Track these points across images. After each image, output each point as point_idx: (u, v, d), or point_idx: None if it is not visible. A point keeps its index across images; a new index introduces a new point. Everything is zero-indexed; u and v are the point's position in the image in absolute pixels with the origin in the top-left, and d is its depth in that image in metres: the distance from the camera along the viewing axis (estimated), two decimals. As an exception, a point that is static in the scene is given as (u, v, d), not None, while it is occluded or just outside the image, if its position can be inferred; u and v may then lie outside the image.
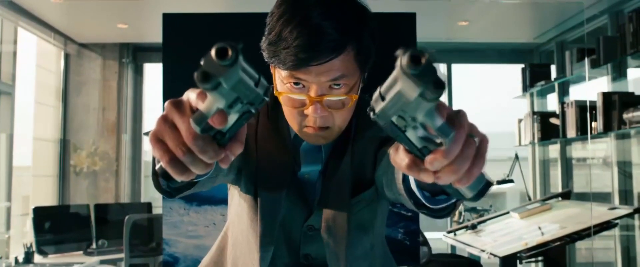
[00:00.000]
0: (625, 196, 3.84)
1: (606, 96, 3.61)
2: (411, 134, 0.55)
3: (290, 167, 1.11)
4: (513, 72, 4.96)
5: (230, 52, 0.50)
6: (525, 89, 4.72)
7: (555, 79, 4.48)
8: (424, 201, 0.78)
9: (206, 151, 0.56)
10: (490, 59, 5.43)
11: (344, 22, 0.96)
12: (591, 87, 4.01)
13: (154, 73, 5.32)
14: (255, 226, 1.12)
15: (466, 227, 3.83)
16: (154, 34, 4.43)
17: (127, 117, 5.07)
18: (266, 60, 1.01)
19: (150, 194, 4.98)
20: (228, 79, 0.51)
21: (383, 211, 1.22)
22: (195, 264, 1.33)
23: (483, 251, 3.19)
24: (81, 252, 4.04)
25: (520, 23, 4.68)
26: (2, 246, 4.13)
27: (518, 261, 3.07)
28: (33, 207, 4.00)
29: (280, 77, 1.00)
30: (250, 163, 1.10)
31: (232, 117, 0.56)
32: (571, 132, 4.00)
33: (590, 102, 3.77)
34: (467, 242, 3.52)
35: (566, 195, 3.98)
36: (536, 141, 4.50)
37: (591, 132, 3.77)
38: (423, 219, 2.34)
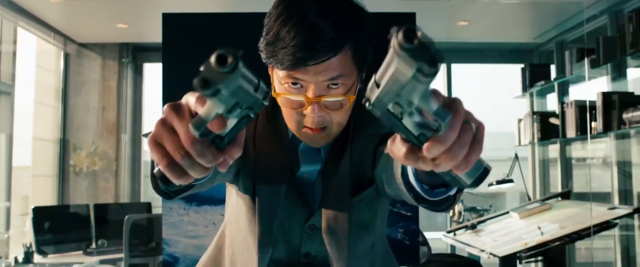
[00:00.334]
0: (625, 195, 3.84)
1: (606, 96, 3.61)
2: (408, 121, 0.55)
3: (288, 167, 1.11)
4: (513, 72, 4.96)
5: (230, 59, 0.49)
6: (525, 89, 4.72)
7: (555, 79, 4.48)
8: (423, 194, 0.78)
9: (205, 155, 0.56)
10: (490, 59, 5.43)
11: (341, 21, 0.96)
12: (591, 87, 4.01)
13: (153, 73, 5.32)
14: (253, 227, 1.12)
15: (466, 227, 3.83)
16: (154, 34, 4.43)
17: (126, 117, 5.07)
18: (264, 61, 1.01)
19: (149, 194, 4.98)
20: (227, 86, 0.51)
21: (383, 209, 1.22)
22: (194, 264, 1.33)
23: (483, 250, 3.19)
24: (81, 252, 4.04)
25: (520, 23, 4.68)
26: (1, 246, 4.12)
27: (518, 261, 3.08)
28: (33, 207, 4.00)
29: (278, 78, 1.00)
30: (249, 163, 1.10)
31: (231, 122, 0.56)
32: (571, 132, 4.00)
33: (590, 102, 3.77)
34: (467, 242, 3.52)
35: (566, 195, 3.98)
36: (536, 140, 4.50)
37: (591, 132, 3.77)
38: (423, 219, 2.34)
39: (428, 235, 3.29)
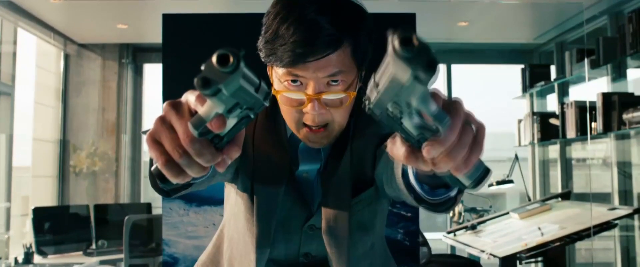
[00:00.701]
0: (625, 196, 3.84)
1: (606, 97, 3.61)
2: (407, 123, 0.55)
3: (287, 166, 1.11)
4: (513, 73, 4.96)
5: (231, 59, 0.49)
6: (525, 89, 4.72)
7: (555, 80, 4.48)
8: (423, 195, 0.78)
9: (203, 154, 0.56)
10: (490, 60, 5.43)
11: (340, 17, 0.96)
12: (591, 88, 4.01)
13: (153, 73, 5.32)
14: (251, 226, 1.12)
15: (466, 228, 3.83)
16: (154, 35, 4.43)
17: (126, 117, 5.07)
18: (263, 59, 1.01)
19: (149, 194, 4.98)
20: (228, 86, 0.51)
21: (383, 210, 1.22)
22: (194, 264, 1.33)
23: (483, 251, 3.19)
24: (81, 252, 4.04)
25: (520, 24, 4.68)
26: (1, 247, 4.12)
27: (518, 262, 3.07)
28: (33, 207, 4.00)
29: (278, 76, 1.00)
30: (248, 162, 1.10)
31: (231, 122, 0.56)
32: (571, 133, 4.00)
33: (590, 102, 3.77)
34: (467, 242, 3.52)
35: (566, 195, 3.98)
36: (536, 141, 4.50)
37: (591, 133, 3.77)
38: (423, 220, 2.34)
39: (428, 235, 3.29)
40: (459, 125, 0.54)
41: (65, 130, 4.97)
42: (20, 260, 3.76)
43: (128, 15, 4.39)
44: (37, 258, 3.84)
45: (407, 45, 0.46)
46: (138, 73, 5.23)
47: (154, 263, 3.90)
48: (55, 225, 4.06)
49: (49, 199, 4.82)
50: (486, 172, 0.62)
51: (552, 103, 4.86)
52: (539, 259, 3.22)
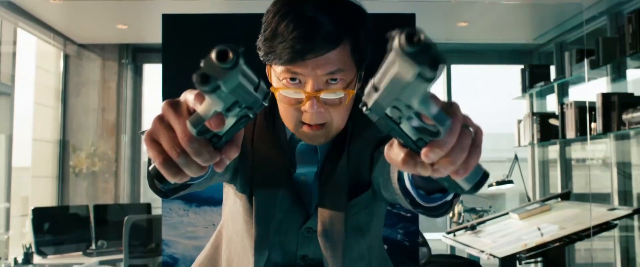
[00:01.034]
0: (625, 196, 3.84)
1: (605, 97, 3.61)
2: (406, 126, 0.54)
3: (286, 168, 1.10)
4: (512, 73, 4.96)
5: (231, 55, 0.49)
6: (524, 90, 4.72)
7: (555, 80, 4.48)
8: (419, 200, 0.78)
9: (201, 154, 0.55)
10: (489, 60, 5.43)
11: (339, 15, 0.97)
12: (590, 88, 4.01)
13: (153, 74, 5.32)
14: (249, 228, 1.12)
15: (465, 228, 3.83)
16: (154, 35, 4.42)
17: (126, 117, 5.07)
18: (262, 58, 1.01)
19: (149, 195, 4.97)
20: (227, 83, 0.50)
21: (380, 212, 1.22)
22: (192, 264, 1.33)
23: (482, 251, 3.19)
24: (80, 253, 4.04)
25: (519, 24, 4.68)
26: (1, 247, 4.12)
27: (517, 262, 3.07)
28: (32, 208, 4.00)
29: (276, 74, 1.00)
30: (246, 163, 1.10)
31: (230, 121, 0.55)
32: (570, 133, 4.00)
33: (590, 103, 3.77)
34: (467, 243, 3.52)
35: (565, 196, 3.98)
36: (535, 141, 4.50)
37: (590, 133, 3.77)
38: (422, 220, 2.34)
39: (428, 236, 3.29)
40: (458, 128, 0.54)
41: (65, 131, 4.97)
42: (19, 260, 3.76)
43: (128, 16, 4.39)
44: (36, 258, 3.84)
45: (412, 40, 0.46)
46: (138, 73, 5.23)
47: (154, 263, 3.89)
48: (54, 225, 4.06)
49: (48, 200, 4.82)
50: (485, 176, 0.61)
51: (551, 103, 4.86)
52: (539, 259, 3.22)
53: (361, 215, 1.14)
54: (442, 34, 4.87)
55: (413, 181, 0.77)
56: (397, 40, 0.47)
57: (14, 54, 4.31)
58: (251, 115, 0.56)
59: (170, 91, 2.21)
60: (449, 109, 0.55)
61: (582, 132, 3.91)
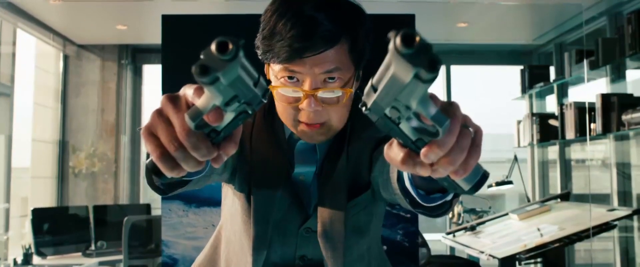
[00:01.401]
0: (624, 197, 3.84)
1: (605, 98, 3.61)
2: (405, 126, 0.54)
3: (285, 168, 1.10)
4: (512, 74, 4.96)
5: (231, 47, 0.48)
6: (524, 90, 4.72)
7: (554, 81, 4.48)
8: (419, 200, 0.78)
9: (199, 148, 0.55)
10: (489, 61, 5.43)
11: (338, 14, 0.97)
12: (590, 89, 4.01)
13: (153, 74, 5.32)
14: (248, 228, 1.12)
15: (465, 229, 3.83)
16: (153, 36, 4.43)
17: (126, 118, 5.07)
18: (260, 57, 1.01)
19: (149, 195, 4.97)
20: (227, 75, 0.50)
21: (379, 212, 1.22)
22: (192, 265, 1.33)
23: (482, 252, 3.19)
24: (80, 253, 4.04)
25: (519, 25, 4.68)
26: (0, 248, 4.12)
27: (517, 263, 3.07)
28: (32, 208, 3.99)
29: (274, 73, 1.00)
30: (245, 163, 1.10)
31: (228, 116, 0.55)
32: (570, 134, 4.00)
33: (589, 103, 3.77)
34: (466, 243, 3.52)
35: (565, 196, 3.98)
36: (535, 142, 4.50)
37: (590, 134, 3.77)
38: (422, 221, 2.34)
39: (427, 236, 3.29)
40: (458, 128, 0.54)
41: (65, 131, 4.97)
42: (19, 261, 3.76)
43: (127, 17, 4.39)
44: (36, 259, 3.84)
45: (409, 42, 0.46)
46: (137, 74, 5.23)
47: (153, 264, 3.89)
48: (54, 226, 4.05)
49: (48, 200, 4.82)
50: (484, 176, 0.61)
51: (551, 104, 4.86)
52: (538, 260, 3.22)
53: (361, 215, 1.14)
54: (442, 35, 4.87)
55: (413, 181, 0.77)
56: (394, 42, 0.47)
57: (14, 55, 4.31)
58: (250, 112, 0.56)
59: (170, 92, 2.20)
60: (449, 109, 0.55)
61: (581, 132, 3.91)
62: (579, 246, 4.27)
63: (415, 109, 0.52)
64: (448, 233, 3.89)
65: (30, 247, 3.82)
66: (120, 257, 3.76)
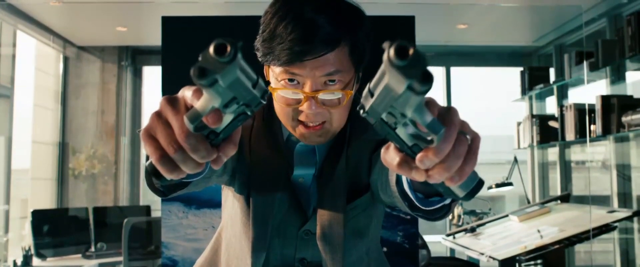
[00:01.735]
0: (624, 199, 3.84)
1: (605, 99, 3.61)
2: (401, 132, 0.54)
3: (284, 170, 1.10)
4: (512, 75, 4.96)
5: (229, 49, 0.48)
6: (524, 92, 4.72)
7: (554, 82, 4.49)
8: (417, 203, 0.77)
9: (198, 150, 0.55)
10: (489, 62, 5.43)
11: (338, 17, 0.97)
12: (590, 90, 4.01)
13: (153, 76, 5.32)
14: (247, 231, 1.12)
15: (465, 230, 3.83)
16: (153, 37, 4.43)
17: (126, 120, 5.07)
18: (260, 59, 1.01)
19: (149, 197, 4.97)
20: (225, 77, 0.50)
21: (379, 215, 1.21)
22: (193, 267, 1.33)
23: (482, 254, 3.19)
24: (80, 255, 4.03)
25: (519, 26, 4.68)
26: (0, 249, 4.12)
27: (517, 264, 3.07)
28: (31, 210, 3.99)
29: (275, 75, 1.00)
30: (244, 165, 1.10)
31: (227, 118, 0.55)
32: (570, 135, 4.00)
33: (589, 105, 3.77)
34: (466, 245, 3.52)
35: (565, 198, 3.98)
36: (535, 144, 4.50)
37: (590, 135, 3.77)
38: (422, 222, 2.34)
39: (427, 238, 3.28)
40: (454, 136, 0.53)
41: (65, 133, 4.97)
42: (19, 263, 3.75)
43: (127, 18, 4.39)
44: (36, 261, 3.84)
45: (403, 54, 0.46)
46: (137, 76, 5.23)
47: (153, 266, 3.89)
48: (54, 228, 4.05)
49: (48, 202, 4.81)
50: (480, 183, 0.61)
51: (551, 106, 4.86)
52: (539, 261, 3.22)
53: (360, 218, 1.14)
54: (442, 36, 4.87)
55: (411, 184, 0.77)
56: (388, 53, 0.46)
57: (14, 56, 4.31)
58: (249, 113, 0.56)
59: (170, 93, 2.20)
60: (446, 115, 0.54)
61: (581, 134, 3.91)
62: (579, 248, 4.26)
63: (410, 116, 0.52)
64: (448, 235, 3.89)
65: (30, 249, 3.81)
66: (120, 259, 3.76)
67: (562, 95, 4.61)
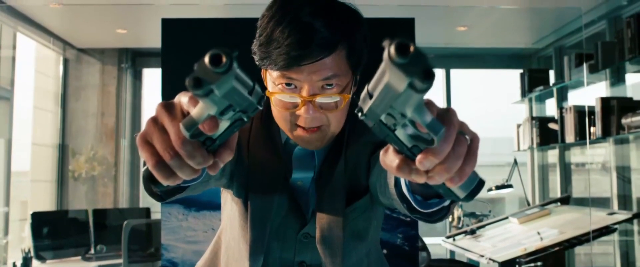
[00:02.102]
0: (624, 201, 3.84)
1: (605, 101, 3.61)
2: (401, 133, 0.54)
3: (282, 173, 1.10)
4: (512, 78, 4.97)
5: (224, 59, 0.48)
6: (523, 94, 4.73)
7: (554, 84, 4.49)
8: (416, 205, 0.77)
9: (194, 157, 0.55)
10: (488, 64, 5.43)
11: (335, 21, 0.96)
12: (590, 93, 4.01)
13: (152, 78, 5.32)
14: (245, 234, 1.11)
15: (465, 233, 3.83)
16: (153, 39, 4.43)
17: (125, 122, 5.07)
18: (257, 63, 1.01)
19: (149, 199, 4.95)
20: (221, 87, 0.49)
21: (378, 217, 1.21)
22: (193, 269, 1.33)
23: (482, 256, 3.19)
24: (79, 257, 4.03)
25: (518, 28, 4.69)
26: (0, 252, 4.11)
27: (517, 266, 3.07)
28: (31, 212, 3.99)
29: (272, 79, 1.00)
30: (242, 168, 1.10)
31: (224, 124, 0.55)
32: (570, 138, 4.00)
33: (589, 107, 3.77)
34: (466, 247, 3.52)
35: (565, 200, 3.98)
36: (535, 146, 4.50)
37: (590, 138, 3.77)
38: (422, 224, 2.34)
39: (427, 240, 3.28)
40: (454, 136, 0.53)
41: (64, 135, 4.96)
42: (18, 265, 3.75)
43: (127, 20, 4.40)
44: (35, 263, 3.83)
45: (403, 51, 0.45)
46: (137, 78, 5.23)
47: (153, 268, 3.89)
48: (53, 230, 4.05)
49: (47, 204, 4.81)
50: (480, 183, 0.61)
51: (551, 108, 4.86)
52: (539, 263, 3.22)
53: (359, 220, 1.14)
54: (442, 39, 4.88)
55: (410, 187, 0.77)
56: (388, 51, 0.46)
57: (14, 59, 4.31)
58: (245, 119, 0.56)
59: (170, 95, 2.21)
60: (445, 115, 0.54)
61: (581, 136, 3.91)
62: (579, 250, 4.26)
63: (410, 116, 0.51)
64: (448, 237, 3.89)
65: (29, 251, 3.81)
66: (120, 261, 3.76)
67: (562, 98, 4.61)
